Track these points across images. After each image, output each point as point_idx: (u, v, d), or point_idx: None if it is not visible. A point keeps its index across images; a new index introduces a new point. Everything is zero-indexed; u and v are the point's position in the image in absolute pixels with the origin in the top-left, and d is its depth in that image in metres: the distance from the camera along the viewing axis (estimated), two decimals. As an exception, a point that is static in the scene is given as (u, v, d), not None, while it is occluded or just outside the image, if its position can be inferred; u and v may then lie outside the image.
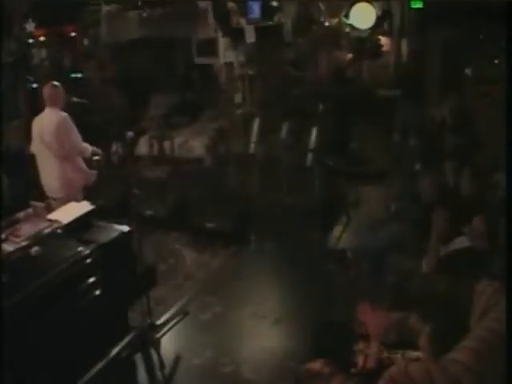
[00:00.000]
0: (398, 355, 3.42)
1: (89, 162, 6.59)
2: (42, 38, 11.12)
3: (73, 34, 11.71)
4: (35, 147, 6.46)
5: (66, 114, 6.30)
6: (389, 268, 5.27)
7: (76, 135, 6.29)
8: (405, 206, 6.34)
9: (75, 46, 11.92)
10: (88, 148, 6.46)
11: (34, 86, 10.60)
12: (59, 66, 11.66)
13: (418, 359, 3.28)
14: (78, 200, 5.11)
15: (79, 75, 11.65)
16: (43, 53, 11.42)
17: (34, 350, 3.33)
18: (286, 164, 8.60)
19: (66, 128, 6.22)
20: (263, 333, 5.42)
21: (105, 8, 10.88)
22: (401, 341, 3.49)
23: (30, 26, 9.92)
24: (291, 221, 7.52)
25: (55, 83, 6.44)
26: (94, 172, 6.57)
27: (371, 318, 3.73)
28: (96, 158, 6.59)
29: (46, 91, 6.35)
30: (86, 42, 11.96)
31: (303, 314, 5.55)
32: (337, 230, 7.26)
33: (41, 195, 6.22)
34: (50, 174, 6.42)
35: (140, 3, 10.33)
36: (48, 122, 6.29)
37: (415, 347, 3.35)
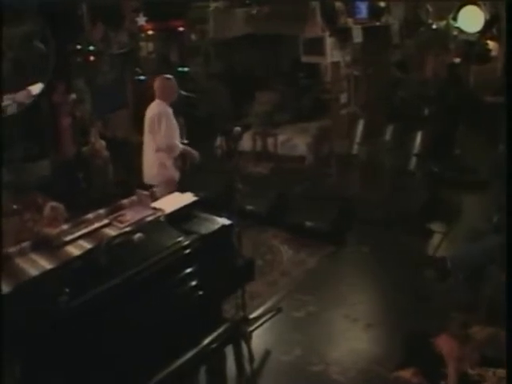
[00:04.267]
0: (490, 373, 3.33)
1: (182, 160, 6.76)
2: (150, 32, 11.39)
3: (180, 28, 11.93)
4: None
5: (164, 109, 6.49)
6: (486, 280, 5.13)
7: (168, 132, 6.43)
8: (506, 217, 6.13)
9: (182, 40, 12.14)
10: (177, 148, 6.56)
11: (142, 78, 10.89)
12: (166, 59, 11.91)
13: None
14: (172, 191, 5.21)
15: (185, 70, 11.86)
16: (150, 46, 11.69)
17: (128, 333, 3.41)
18: (389, 167, 8.49)
19: (159, 122, 6.40)
20: (354, 336, 5.38)
21: (213, 4, 11.05)
22: (492, 357, 3.39)
23: (141, 20, 10.17)
24: (391, 224, 7.42)
25: (168, 76, 6.61)
26: (176, 173, 6.70)
27: (448, 346, 3.65)
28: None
29: (157, 83, 6.56)
30: (193, 37, 12.16)
31: (396, 320, 5.48)
32: (437, 238, 7.11)
33: (144, 183, 6.42)
34: (147, 161, 6.68)
35: (248, 1, 10.43)
36: (149, 113, 6.54)
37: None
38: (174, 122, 6.59)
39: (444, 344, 3.72)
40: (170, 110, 6.54)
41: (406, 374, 3.51)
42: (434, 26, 11.42)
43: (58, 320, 3.13)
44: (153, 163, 6.60)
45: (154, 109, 6.50)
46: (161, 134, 6.40)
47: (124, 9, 9.86)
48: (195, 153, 6.72)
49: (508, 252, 3.58)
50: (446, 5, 11.01)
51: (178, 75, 10.70)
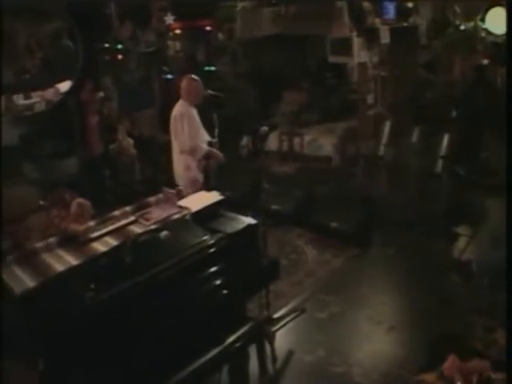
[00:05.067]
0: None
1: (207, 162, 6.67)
2: (177, 31, 11.42)
3: (208, 28, 11.96)
4: None
5: (186, 110, 6.43)
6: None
7: (190, 134, 6.37)
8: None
9: (209, 39, 12.17)
10: (201, 150, 6.47)
11: (169, 77, 10.94)
12: (193, 58, 11.94)
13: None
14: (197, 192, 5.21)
15: (212, 69, 11.88)
16: (177, 45, 11.72)
17: (152, 330, 3.44)
18: (415, 169, 8.44)
19: (181, 124, 6.36)
20: (377, 338, 5.33)
21: (240, 4, 11.07)
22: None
23: (169, 19, 10.20)
24: (416, 226, 7.39)
25: (194, 77, 6.57)
26: (200, 175, 6.62)
27: (452, 368, 3.64)
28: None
29: (183, 83, 6.53)
30: (220, 36, 12.18)
31: (420, 323, 5.44)
32: (462, 241, 7.05)
33: (170, 181, 6.43)
34: (175, 162, 6.68)
35: (275, 0, 10.44)
36: (172, 114, 6.52)
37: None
38: (198, 123, 6.55)
39: (450, 367, 3.70)
40: (193, 111, 6.50)
41: (430, 377, 3.49)
42: (462, 27, 11.34)
43: (82, 316, 3.16)
44: (179, 164, 6.60)
45: (177, 110, 6.47)
46: (184, 135, 6.36)
47: (152, 7, 9.91)
48: (220, 155, 6.63)
49: (508, 252, 3.56)
50: (473, 6, 10.94)
51: (205, 74, 10.77)
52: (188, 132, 6.36)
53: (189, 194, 4.97)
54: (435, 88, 10.48)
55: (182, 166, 6.56)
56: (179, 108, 6.47)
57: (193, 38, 11.94)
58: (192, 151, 6.44)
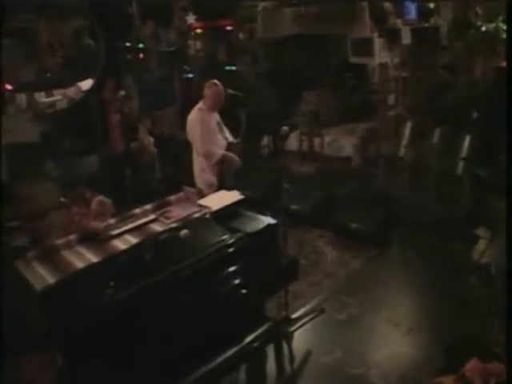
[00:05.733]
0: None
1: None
2: (198, 30, 11.46)
3: (229, 27, 11.98)
4: None
5: (202, 115, 6.34)
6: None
7: (204, 138, 6.30)
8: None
9: (230, 39, 12.19)
10: (215, 155, 6.37)
11: (189, 76, 10.97)
12: (213, 58, 11.98)
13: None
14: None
15: (233, 68, 11.91)
16: (198, 45, 11.75)
17: (170, 328, 3.45)
18: (436, 171, 8.38)
19: (194, 128, 6.33)
20: (395, 340, 5.31)
21: (261, 4, 11.08)
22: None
23: (190, 19, 10.23)
24: (435, 228, 7.35)
25: (216, 82, 6.44)
26: (214, 178, 6.51)
27: (474, 370, 3.63)
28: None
29: (206, 89, 6.40)
30: (241, 36, 12.20)
31: (438, 325, 5.40)
32: (482, 243, 7.00)
33: (191, 180, 6.43)
34: (194, 163, 6.64)
35: (295, 0, 10.43)
36: (189, 117, 6.48)
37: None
38: (214, 128, 6.44)
39: (472, 369, 3.69)
40: (209, 116, 6.41)
41: (448, 380, 3.47)
42: (483, 29, 11.27)
43: (101, 313, 3.18)
44: (196, 165, 6.57)
45: (193, 114, 6.40)
46: (198, 140, 6.34)
47: (174, 7, 9.95)
48: (236, 159, 6.50)
49: (508, 252, 3.54)
50: (495, 7, 10.87)
51: (226, 74, 10.77)
52: (201, 137, 6.29)
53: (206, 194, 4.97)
54: (456, 89, 10.41)
55: (198, 167, 6.53)
56: (195, 113, 6.38)
57: (214, 37, 11.98)
58: (206, 156, 6.39)
